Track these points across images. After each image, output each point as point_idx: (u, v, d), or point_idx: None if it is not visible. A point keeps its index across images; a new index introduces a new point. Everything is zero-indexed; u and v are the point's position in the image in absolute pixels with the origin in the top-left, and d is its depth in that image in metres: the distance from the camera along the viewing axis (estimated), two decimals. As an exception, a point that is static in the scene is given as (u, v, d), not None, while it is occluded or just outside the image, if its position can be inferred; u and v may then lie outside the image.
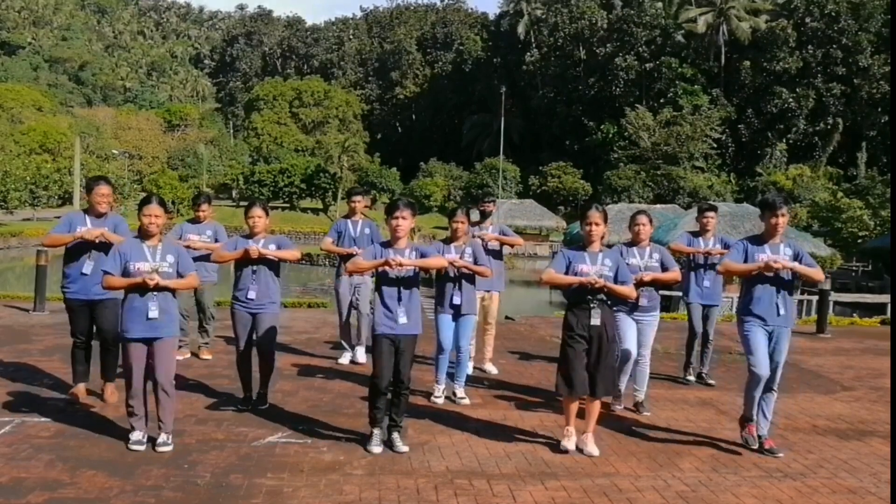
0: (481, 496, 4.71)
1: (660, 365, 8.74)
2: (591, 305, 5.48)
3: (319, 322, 11.50)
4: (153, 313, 5.28)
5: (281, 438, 5.68)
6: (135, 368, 5.36)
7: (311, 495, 4.62)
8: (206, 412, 6.30)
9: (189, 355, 8.32)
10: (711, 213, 8.04)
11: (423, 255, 5.60)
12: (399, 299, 5.48)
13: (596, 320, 5.47)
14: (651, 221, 6.75)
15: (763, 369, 5.64)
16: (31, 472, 4.85)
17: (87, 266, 6.30)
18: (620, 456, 5.57)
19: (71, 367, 6.61)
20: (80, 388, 6.52)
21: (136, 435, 5.38)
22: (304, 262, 37.72)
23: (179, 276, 5.43)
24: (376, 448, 5.44)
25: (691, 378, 8.07)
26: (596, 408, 5.65)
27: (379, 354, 5.53)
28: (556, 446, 5.69)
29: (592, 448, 5.59)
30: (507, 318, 13.01)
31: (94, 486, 4.65)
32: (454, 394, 6.93)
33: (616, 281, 5.49)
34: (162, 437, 5.37)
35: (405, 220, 5.52)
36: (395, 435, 5.56)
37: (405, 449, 5.47)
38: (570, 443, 5.61)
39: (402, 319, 5.46)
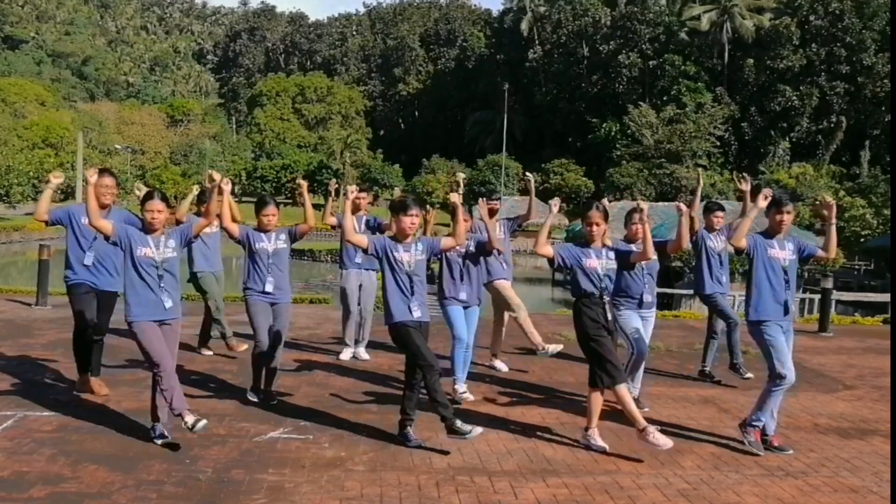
0: (483, 493, 4.71)
1: (661, 363, 8.74)
2: (605, 300, 5.61)
3: (321, 318, 11.51)
4: (168, 304, 5.35)
5: (283, 434, 5.69)
6: (157, 345, 5.28)
7: (313, 491, 4.63)
8: (209, 407, 6.30)
9: (211, 353, 8.39)
10: (720, 213, 8.09)
11: (427, 246, 5.63)
12: (412, 291, 5.49)
13: (610, 314, 5.65)
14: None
15: (793, 374, 5.60)
16: (33, 466, 4.86)
17: (88, 258, 6.30)
18: (622, 453, 5.57)
19: (78, 359, 6.52)
20: (95, 381, 6.51)
21: (159, 428, 5.39)
22: (305, 257, 37.83)
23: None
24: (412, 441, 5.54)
25: (707, 366, 8.05)
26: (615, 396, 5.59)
27: (412, 338, 5.41)
28: (557, 442, 5.69)
29: (664, 440, 5.39)
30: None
31: (95, 480, 4.66)
32: (455, 390, 6.93)
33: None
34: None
35: (417, 219, 5.60)
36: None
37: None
38: (601, 440, 5.61)
39: (417, 312, 5.47)
